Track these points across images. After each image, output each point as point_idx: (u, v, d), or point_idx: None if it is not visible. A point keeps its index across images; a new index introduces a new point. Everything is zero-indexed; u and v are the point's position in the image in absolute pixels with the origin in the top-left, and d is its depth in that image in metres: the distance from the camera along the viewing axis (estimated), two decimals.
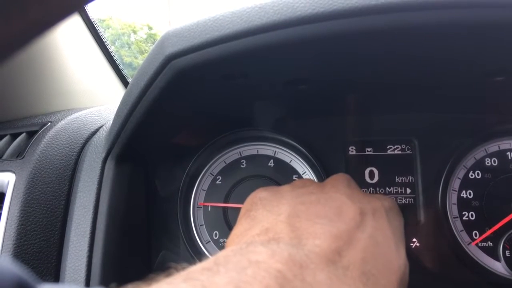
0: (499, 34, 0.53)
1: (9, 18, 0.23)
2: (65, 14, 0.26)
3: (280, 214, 0.53)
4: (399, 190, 0.85)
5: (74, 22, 1.16)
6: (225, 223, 0.87)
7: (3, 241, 0.73)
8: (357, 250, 0.47)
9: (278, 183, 0.87)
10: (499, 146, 0.85)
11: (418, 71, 0.67)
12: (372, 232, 0.51)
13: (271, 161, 0.89)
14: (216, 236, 0.87)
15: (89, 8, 1.19)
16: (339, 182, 0.62)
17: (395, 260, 0.51)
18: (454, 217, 0.82)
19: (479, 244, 0.80)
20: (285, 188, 0.63)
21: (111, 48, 1.30)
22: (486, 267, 0.79)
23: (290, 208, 0.54)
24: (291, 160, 0.89)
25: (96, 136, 0.87)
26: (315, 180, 0.86)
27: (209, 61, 0.56)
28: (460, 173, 0.84)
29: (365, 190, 0.86)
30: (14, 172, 0.79)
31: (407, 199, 0.84)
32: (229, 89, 0.71)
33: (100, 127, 0.92)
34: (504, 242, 0.78)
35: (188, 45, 0.56)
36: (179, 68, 0.58)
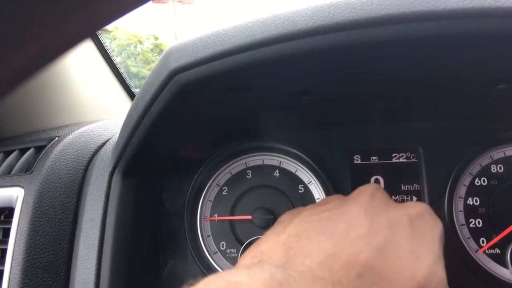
0: (502, 44, 0.53)
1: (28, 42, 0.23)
2: (84, 37, 0.26)
3: (280, 234, 0.53)
4: (405, 198, 0.85)
5: None
6: (232, 233, 0.87)
7: (13, 255, 0.74)
8: (356, 264, 0.46)
9: (284, 193, 0.88)
10: (504, 153, 0.85)
11: (421, 80, 0.68)
12: (382, 244, 0.50)
13: (277, 171, 0.90)
14: (223, 247, 0.87)
15: None
16: (362, 194, 0.60)
17: (408, 271, 0.49)
18: (461, 225, 0.82)
19: (487, 251, 0.80)
20: (309, 206, 0.62)
21: (117, 61, 1.32)
22: (494, 274, 0.79)
23: (294, 227, 0.53)
24: (296, 170, 0.89)
25: (103, 149, 0.88)
26: (322, 190, 0.86)
27: (212, 75, 0.57)
28: (466, 180, 0.84)
29: None
30: (22, 187, 0.80)
31: None
32: (233, 101, 0.72)
33: (106, 141, 0.92)
34: (511, 249, 0.78)
35: (192, 59, 0.57)
36: (183, 82, 0.58)
